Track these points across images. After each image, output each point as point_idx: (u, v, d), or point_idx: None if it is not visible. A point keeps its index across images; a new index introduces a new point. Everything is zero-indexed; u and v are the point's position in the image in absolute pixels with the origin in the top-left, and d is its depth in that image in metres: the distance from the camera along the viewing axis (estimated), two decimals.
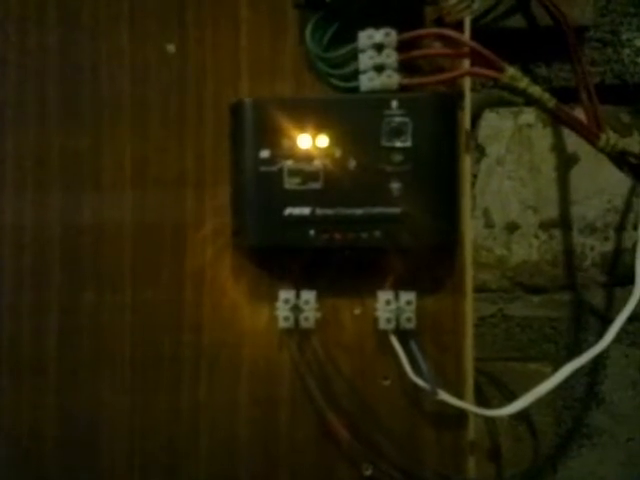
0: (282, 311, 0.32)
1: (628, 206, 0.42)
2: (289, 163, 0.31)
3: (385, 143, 0.31)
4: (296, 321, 0.32)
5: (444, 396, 0.31)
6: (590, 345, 0.34)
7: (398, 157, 0.31)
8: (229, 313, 0.33)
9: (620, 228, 0.42)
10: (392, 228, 0.31)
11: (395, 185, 0.31)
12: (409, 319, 0.32)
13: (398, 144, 0.31)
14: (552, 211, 0.42)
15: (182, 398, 0.34)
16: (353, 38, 0.32)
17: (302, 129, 0.31)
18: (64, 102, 0.34)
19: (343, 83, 0.32)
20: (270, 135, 0.31)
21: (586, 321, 0.43)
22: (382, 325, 0.32)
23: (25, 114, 0.34)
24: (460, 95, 0.33)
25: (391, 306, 0.32)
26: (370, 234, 0.31)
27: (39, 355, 0.34)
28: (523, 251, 0.42)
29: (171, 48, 0.33)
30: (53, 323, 0.34)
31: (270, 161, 0.31)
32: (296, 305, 0.32)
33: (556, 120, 0.36)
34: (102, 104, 0.33)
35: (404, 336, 0.32)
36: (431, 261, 0.33)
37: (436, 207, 0.32)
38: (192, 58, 0.33)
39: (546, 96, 0.31)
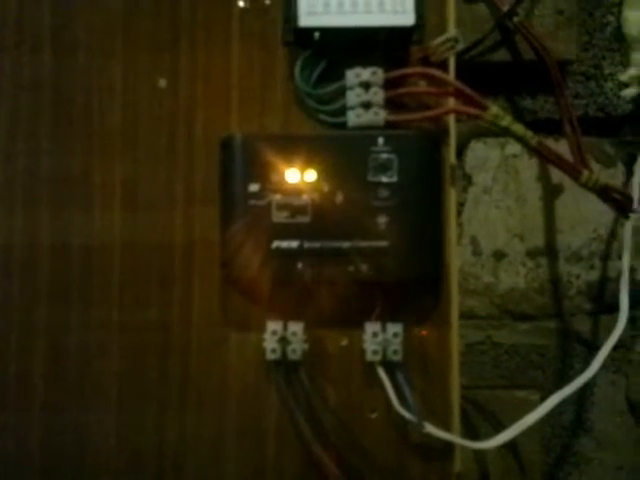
0: (269, 343, 0.32)
1: (613, 235, 0.43)
2: (277, 197, 0.31)
3: (372, 178, 0.31)
4: (283, 353, 0.32)
5: (431, 429, 0.32)
6: (577, 372, 0.34)
7: (384, 192, 0.31)
8: (216, 344, 0.34)
9: (605, 257, 0.43)
10: (379, 261, 0.31)
11: (381, 219, 0.31)
12: (396, 351, 0.32)
13: (384, 179, 0.31)
14: (538, 240, 0.43)
15: (168, 426, 0.34)
16: (341, 76, 0.32)
17: (291, 164, 0.31)
18: (56, 133, 0.34)
19: (331, 119, 0.33)
20: (259, 170, 0.31)
21: (573, 348, 0.43)
22: (369, 357, 0.32)
23: (17, 141, 0.34)
24: (445, 131, 0.33)
25: (378, 338, 0.32)
26: (357, 267, 0.31)
27: (25, 375, 0.34)
28: (510, 279, 0.43)
29: (162, 83, 0.34)
30: (40, 343, 0.34)
31: (259, 195, 0.31)
32: (283, 337, 0.32)
33: (539, 156, 0.37)
34: (93, 136, 0.34)
35: (391, 368, 0.33)
36: (417, 292, 0.33)
37: (422, 240, 0.32)
38: (183, 92, 0.34)
39: (529, 134, 0.32)
